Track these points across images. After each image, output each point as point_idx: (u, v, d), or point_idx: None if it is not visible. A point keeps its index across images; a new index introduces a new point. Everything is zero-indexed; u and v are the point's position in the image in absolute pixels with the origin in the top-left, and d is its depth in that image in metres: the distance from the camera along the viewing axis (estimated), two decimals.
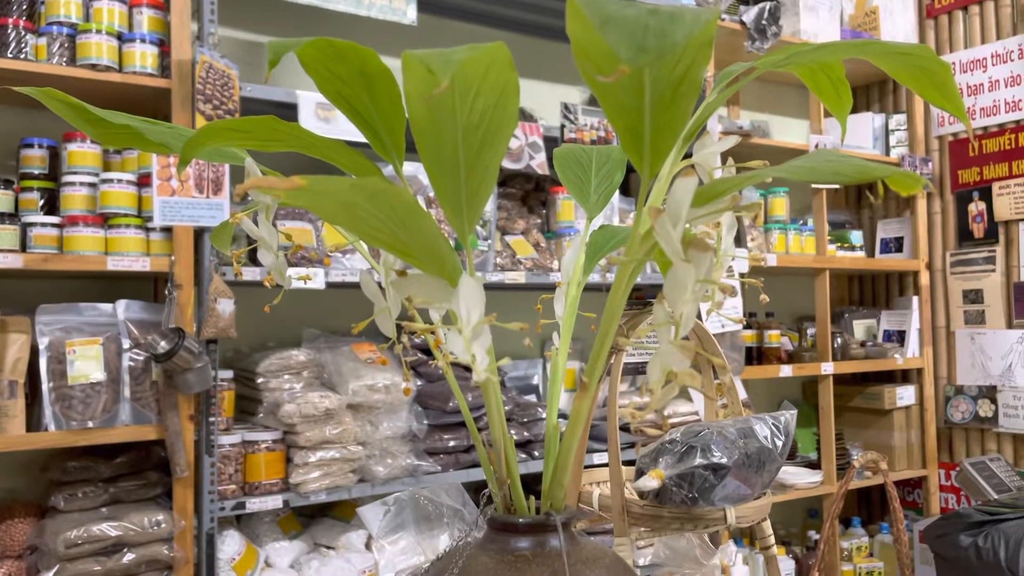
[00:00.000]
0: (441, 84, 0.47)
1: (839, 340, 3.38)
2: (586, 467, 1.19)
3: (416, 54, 0.50)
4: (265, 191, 0.53)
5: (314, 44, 0.60)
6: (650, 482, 0.89)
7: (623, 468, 0.99)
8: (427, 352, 2.57)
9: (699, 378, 0.60)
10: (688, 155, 0.76)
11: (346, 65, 0.62)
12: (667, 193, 0.61)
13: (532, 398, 2.78)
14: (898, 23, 3.61)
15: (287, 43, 0.60)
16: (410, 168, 2.42)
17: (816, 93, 0.80)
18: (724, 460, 0.89)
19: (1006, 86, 3.43)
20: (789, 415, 1.01)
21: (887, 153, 3.59)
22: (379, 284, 0.72)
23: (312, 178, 0.53)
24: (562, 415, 2.49)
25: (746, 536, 3.30)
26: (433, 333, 0.66)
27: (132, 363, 2.04)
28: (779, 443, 0.95)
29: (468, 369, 2.44)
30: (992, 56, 3.47)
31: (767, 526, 1.05)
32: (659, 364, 0.60)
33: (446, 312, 0.66)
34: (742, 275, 2.90)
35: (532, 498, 0.73)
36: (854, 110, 3.87)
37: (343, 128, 2.19)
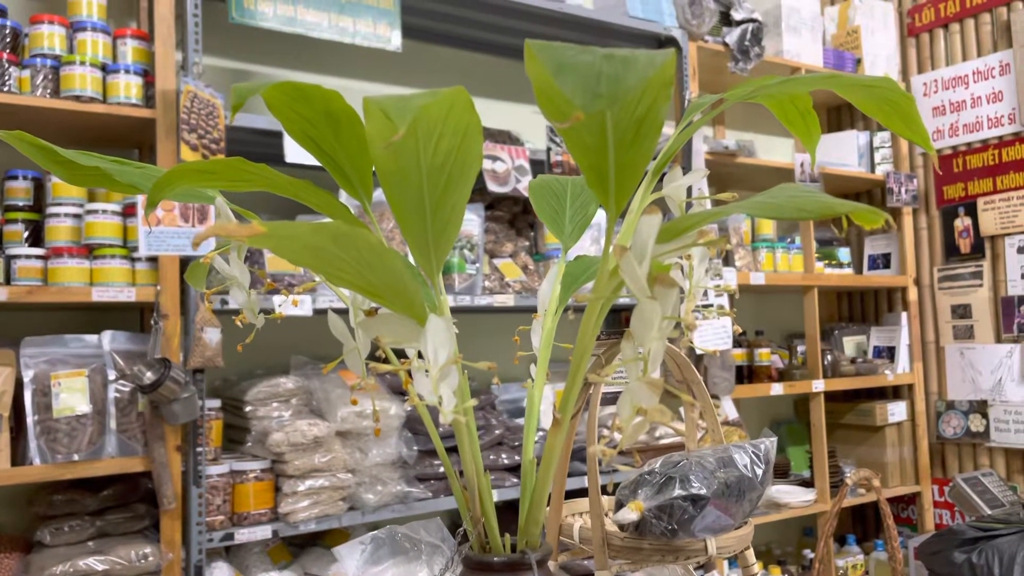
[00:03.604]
0: (399, 131, 0.47)
1: (829, 357, 3.38)
2: (569, 492, 1.19)
3: (375, 100, 0.50)
4: (226, 236, 0.53)
5: (278, 87, 0.60)
6: (629, 514, 0.89)
7: (603, 499, 0.98)
8: None
9: (669, 414, 0.60)
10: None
11: (310, 106, 0.62)
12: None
13: (523, 421, 2.77)
14: (880, 42, 3.64)
15: (252, 86, 0.60)
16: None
17: (785, 124, 0.80)
18: (703, 491, 0.89)
19: (988, 102, 3.46)
20: (769, 442, 1.01)
21: (872, 170, 3.61)
22: (348, 323, 0.71)
23: (273, 224, 0.53)
24: None
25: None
26: (409, 372, 0.66)
27: (118, 394, 2.03)
28: (759, 471, 0.95)
29: None
30: (974, 73, 3.50)
31: (750, 555, 1.05)
32: (628, 401, 0.60)
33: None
34: (731, 294, 2.90)
35: (508, 536, 0.72)
36: (839, 127, 3.90)
37: None
